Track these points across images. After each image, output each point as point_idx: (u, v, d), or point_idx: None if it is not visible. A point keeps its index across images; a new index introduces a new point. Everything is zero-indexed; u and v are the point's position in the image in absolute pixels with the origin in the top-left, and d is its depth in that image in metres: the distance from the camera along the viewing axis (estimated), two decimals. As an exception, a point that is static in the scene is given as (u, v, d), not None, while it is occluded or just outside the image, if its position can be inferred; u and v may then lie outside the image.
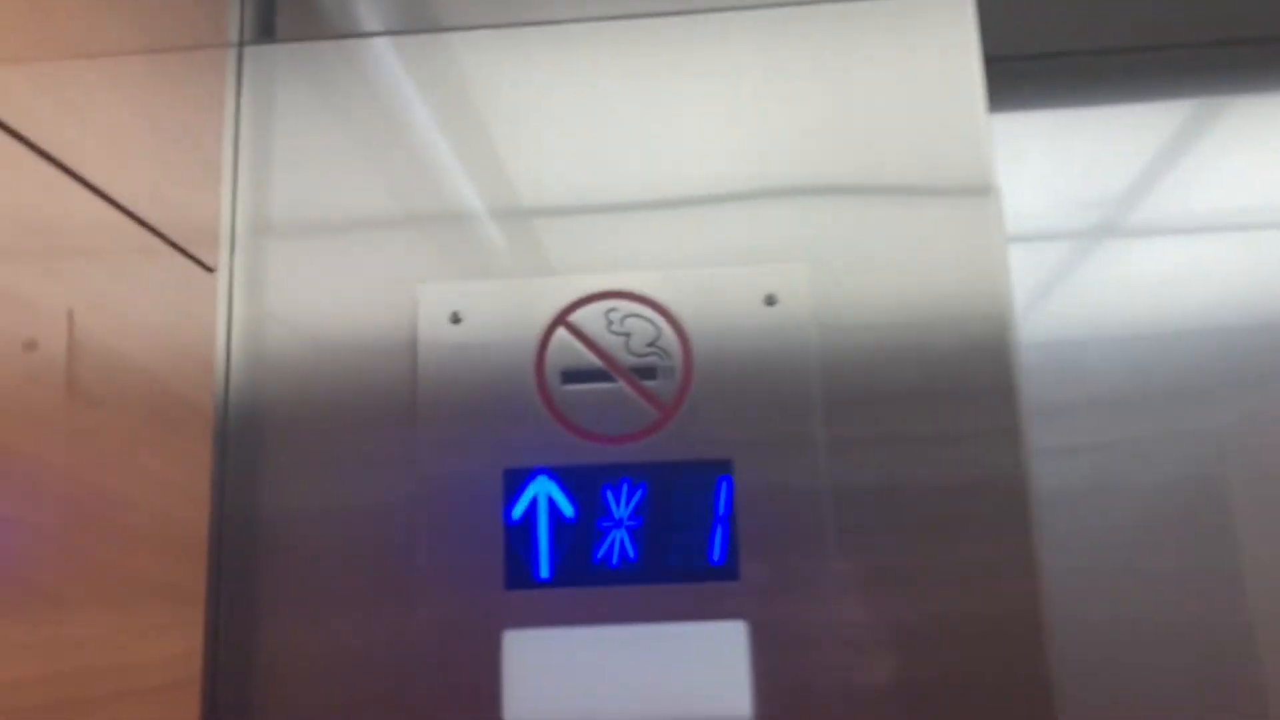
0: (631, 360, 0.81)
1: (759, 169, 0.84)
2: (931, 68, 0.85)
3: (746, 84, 0.86)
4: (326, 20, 0.92)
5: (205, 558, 0.78)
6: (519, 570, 0.78)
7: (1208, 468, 0.99)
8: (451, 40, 0.89)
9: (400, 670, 0.77)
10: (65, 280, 0.62)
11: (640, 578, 0.78)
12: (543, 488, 0.80)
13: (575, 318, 0.82)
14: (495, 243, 0.85)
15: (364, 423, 0.82)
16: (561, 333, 0.82)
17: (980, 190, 0.82)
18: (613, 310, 0.82)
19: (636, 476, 0.79)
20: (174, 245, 0.75)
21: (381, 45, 0.89)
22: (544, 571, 0.78)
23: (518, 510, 0.79)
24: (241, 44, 0.89)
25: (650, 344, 0.81)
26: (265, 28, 0.92)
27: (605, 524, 0.79)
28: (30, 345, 0.58)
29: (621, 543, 0.79)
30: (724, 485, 0.78)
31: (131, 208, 0.69)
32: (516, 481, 0.80)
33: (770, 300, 0.81)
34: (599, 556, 0.79)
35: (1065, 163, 1.06)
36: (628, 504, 0.79)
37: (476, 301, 0.83)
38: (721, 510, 0.78)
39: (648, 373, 0.81)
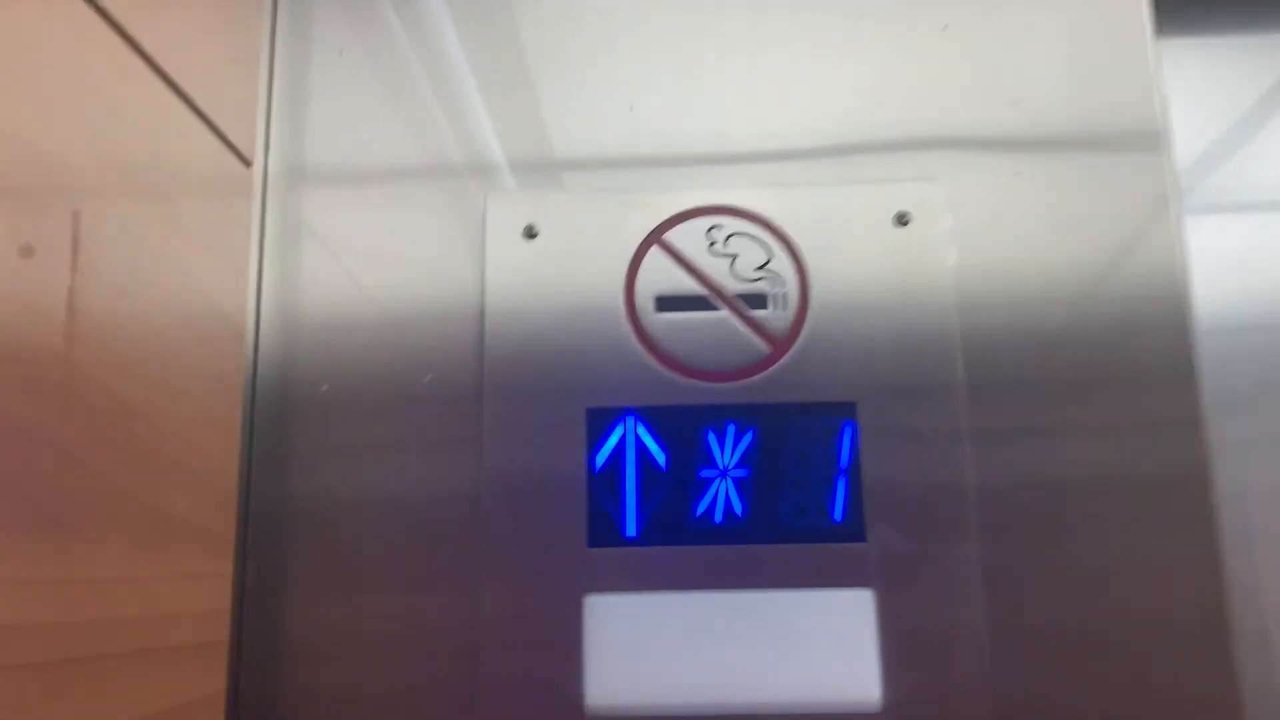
0: (738, 286, 0.70)
1: (890, 103, 0.73)
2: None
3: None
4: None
5: (236, 504, 0.66)
6: (603, 526, 0.67)
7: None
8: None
9: (463, 644, 0.66)
10: (109, 155, 0.50)
11: (746, 536, 0.67)
12: (632, 431, 0.68)
13: (672, 236, 0.71)
14: (579, 154, 0.73)
15: (420, 353, 0.70)
16: (656, 253, 0.70)
17: (1148, 135, 0.71)
18: (716, 228, 0.71)
19: (743, 420, 0.68)
20: (216, 131, 0.63)
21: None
22: (632, 528, 0.67)
23: (602, 457, 0.68)
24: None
25: (760, 268, 0.70)
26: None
27: (706, 473, 0.67)
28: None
29: (725, 496, 0.67)
30: (847, 432, 0.67)
31: (180, 84, 0.58)
32: (601, 424, 0.68)
33: (902, 219, 0.70)
34: (698, 511, 0.67)
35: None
36: (733, 452, 0.68)
37: (555, 214, 0.71)
38: (844, 461, 0.67)
39: (757, 301, 0.69)
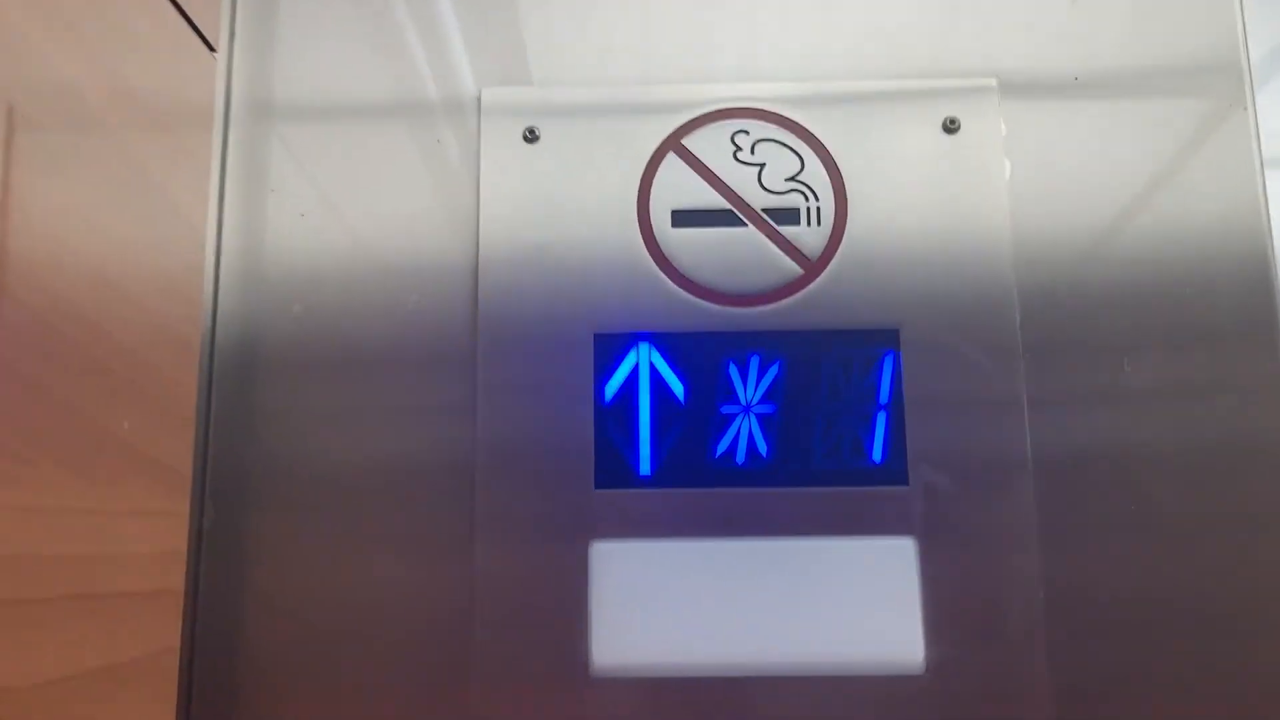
0: (766, 199, 0.62)
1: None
2: None
3: None
4: None
5: (195, 434, 0.58)
6: (613, 465, 0.59)
7: None
8: None
9: (453, 597, 0.58)
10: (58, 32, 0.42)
11: (772, 479, 0.59)
12: (645, 360, 0.60)
13: (692, 140, 0.63)
14: (588, 44, 0.65)
15: (406, 271, 0.62)
16: (673, 160, 0.62)
17: (1227, 51, 0.63)
18: (742, 133, 0.63)
19: (771, 349, 0.60)
20: (180, 9, 0.55)
21: None
22: (645, 467, 0.59)
23: (612, 388, 0.60)
24: None
25: (791, 178, 0.62)
26: None
27: (728, 409, 0.60)
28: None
29: (749, 433, 0.60)
30: (888, 362, 0.60)
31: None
32: (611, 351, 0.60)
33: (950, 125, 0.62)
34: (719, 450, 0.59)
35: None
36: (758, 384, 0.60)
37: (559, 114, 0.63)
38: (885, 395, 0.59)
39: (787, 215, 0.62)
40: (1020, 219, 0.61)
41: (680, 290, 0.61)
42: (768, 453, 0.59)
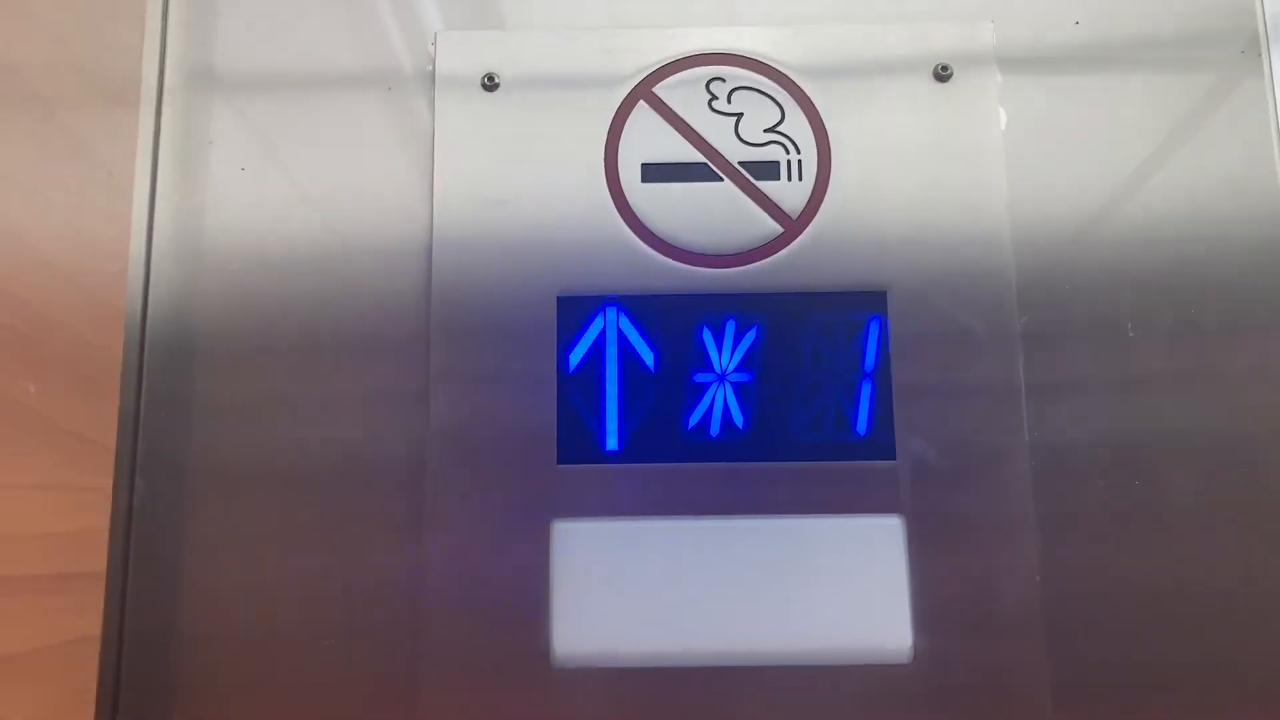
0: (744, 151, 0.57)
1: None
2: None
3: None
4: None
5: (120, 403, 0.53)
6: (577, 438, 0.55)
7: None
8: None
9: (403, 579, 0.53)
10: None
11: (750, 453, 0.55)
12: (613, 324, 0.56)
13: (664, 89, 0.58)
14: (549, -16, 0.60)
15: (355, 223, 0.57)
16: (643, 109, 0.58)
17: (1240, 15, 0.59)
18: (717, 80, 0.58)
19: (747, 313, 0.56)
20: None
21: None
22: (612, 441, 0.55)
23: (576, 355, 0.56)
24: None
25: (771, 129, 0.57)
26: None
27: (701, 377, 0.55)
28: None
29: (724, 404, 0.55)
30: (874, 328, 0.55)
31: None
32: (575, 315, 0.56)
33: (942, 72, 0.58)
34: (691, 422, 0.55)
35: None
36: (734, 351, 0.56)
37: (520, 59, 0.58)
38: (871, 363, 0.55)
39: (767, 170, 0.57)
40: (1017, 173, 0.57)
41: (650, 249, 0.56)
42: (744, 424, 0.55)
